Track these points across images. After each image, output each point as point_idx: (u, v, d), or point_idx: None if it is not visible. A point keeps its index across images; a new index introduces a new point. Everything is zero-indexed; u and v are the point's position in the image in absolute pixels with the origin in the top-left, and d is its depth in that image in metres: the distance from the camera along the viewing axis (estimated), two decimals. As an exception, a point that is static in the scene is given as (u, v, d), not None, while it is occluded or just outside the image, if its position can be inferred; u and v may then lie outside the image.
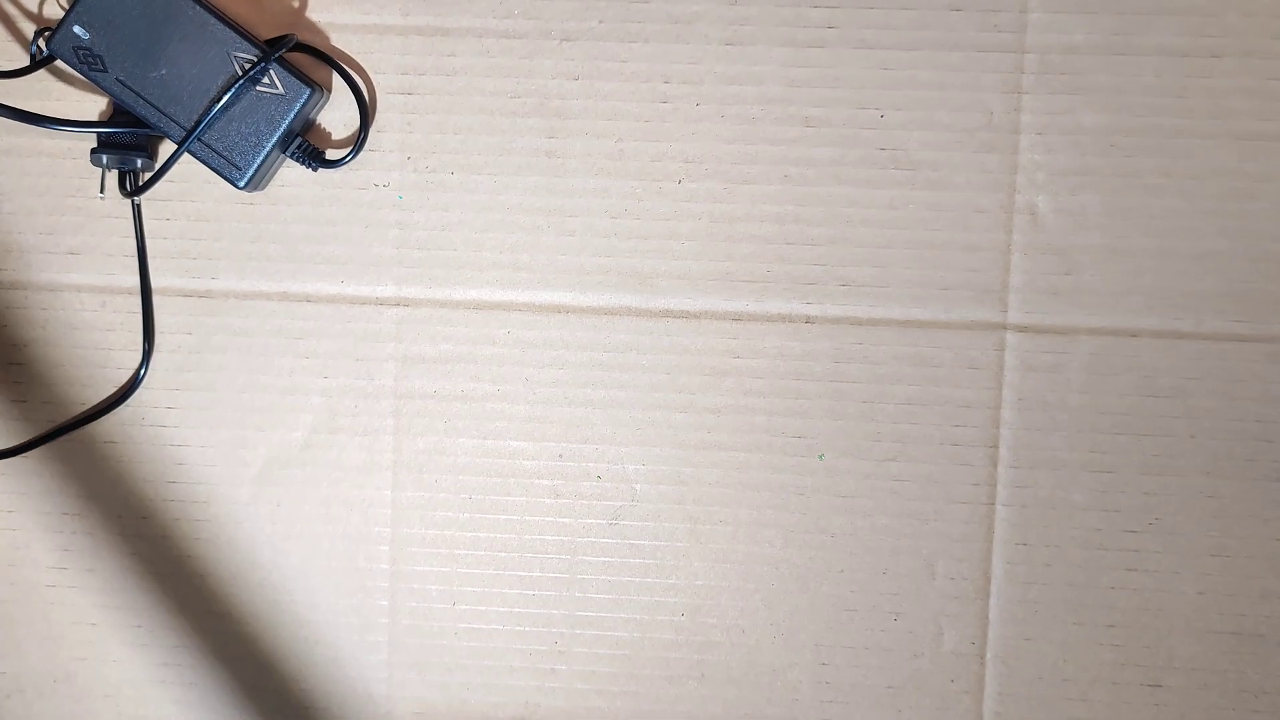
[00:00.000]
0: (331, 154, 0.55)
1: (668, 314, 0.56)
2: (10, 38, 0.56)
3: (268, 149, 0.53)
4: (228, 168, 0.53)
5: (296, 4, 0.55)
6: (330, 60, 0.55)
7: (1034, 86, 0.54)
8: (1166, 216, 0.54)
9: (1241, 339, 0.54)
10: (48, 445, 0.57)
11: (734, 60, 0.54)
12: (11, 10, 0.56)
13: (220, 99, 0.52)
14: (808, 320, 0.55)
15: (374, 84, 0.55)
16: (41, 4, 0.56)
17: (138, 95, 0.53)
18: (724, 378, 0.56)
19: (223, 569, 0.57)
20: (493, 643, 0.57)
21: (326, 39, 0.55)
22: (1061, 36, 0.53)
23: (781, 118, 0.54)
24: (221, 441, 0.57)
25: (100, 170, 0.55)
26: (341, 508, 0.57)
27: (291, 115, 0.53)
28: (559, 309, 0.56)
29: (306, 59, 0.55)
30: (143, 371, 0.56)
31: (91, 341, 0.57)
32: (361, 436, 0.57)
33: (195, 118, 0.53)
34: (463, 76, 0.55)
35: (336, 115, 0.55)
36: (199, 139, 0.53)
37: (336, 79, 0.55)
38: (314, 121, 0.55)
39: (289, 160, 0.55)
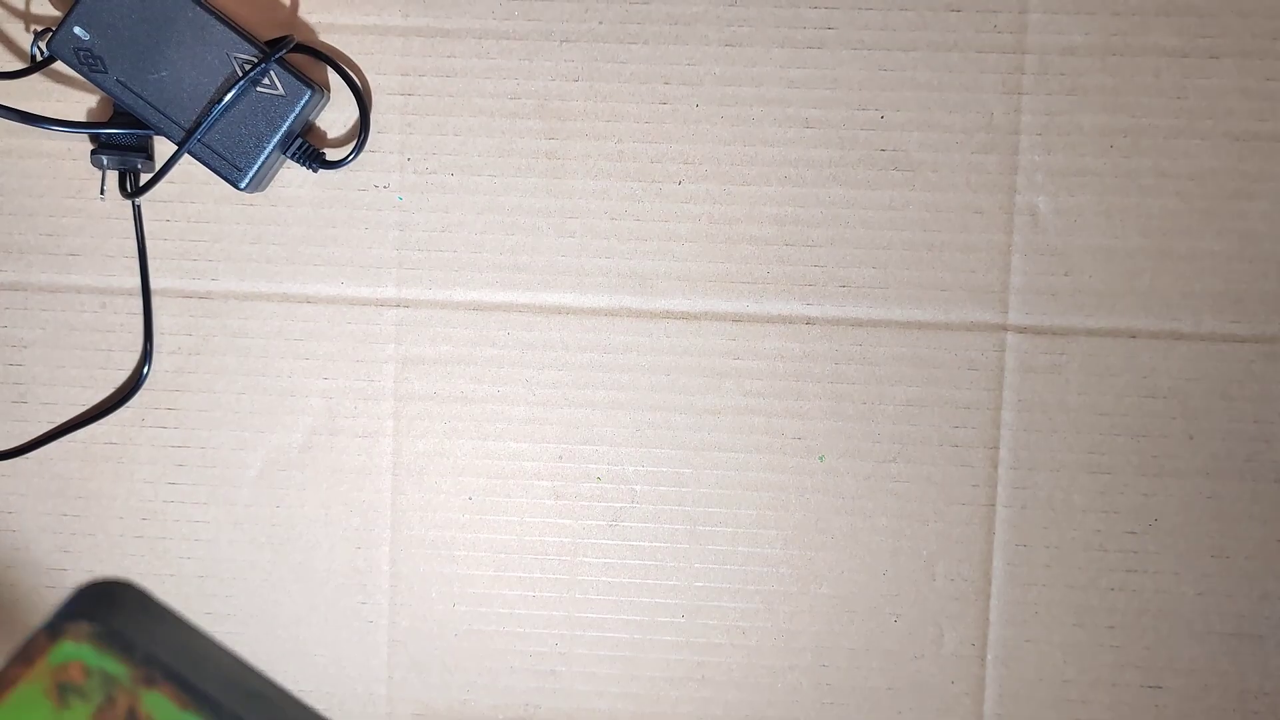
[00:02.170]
0: (331, 155, 0.55)
1: (667, 315, 0.56)
2: (10, 39, 0.56)
3: (268, 150, 0.53)
4: (228, 169, 0.53)
5: (296, 5, 0.55)
6: (330, 61, 0.55)
7: (1033, 87, 0.54)
8: (1165, 217, 0.54)
9: (1240, 340, 0.54)
10: (48, 446, 0.57)
11: (733, 61, 0.54)
12: (11, 11, 0.56)
13: (221, 100, 0.52)
14: (807, 321, 0.55)
15: (374, 85, 0.55)
16: (29, 3, 0.56)
17: (138, 96, 0.53)
18: (723, 379, 0.56)
19: (222, 570, 0.57)
20: (493, 644, 0.57)
21: (326, 40, 0.55)
22: (1060, 37, 0.54)
23: (780, 119, 0.55)
24: (221, 443, 0.57)
25: (100, 171, 0.55)
26: (341, 509, 0.57)
27: (292, 116, 0.53)
28: (559, 310, 0.56)
29: (306, 60, 0.55)
30: (145, 371, 0.56)
31: (91, 342, 0.57)
32: (361, 438, 0.57)
33: (195, 119, 0.53)
34: (463, 77, 0.55)
35: (336, 116, 0.56)
36: (199, 140, 0.53)
37: (336, 79, 0.55)
38: (314, 122, 0.56)
39: (289, 161, 0.55)
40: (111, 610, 0.26)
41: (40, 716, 0.26)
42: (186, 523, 0.57)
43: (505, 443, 0.56)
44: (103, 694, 0.26)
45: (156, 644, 0.26)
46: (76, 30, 0.52)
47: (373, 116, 0.55)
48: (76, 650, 0.26)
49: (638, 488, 0.56)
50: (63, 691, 0.25)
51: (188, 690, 0.26)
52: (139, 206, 0.56)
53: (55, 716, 0.26)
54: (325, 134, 0.56)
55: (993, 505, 0.55)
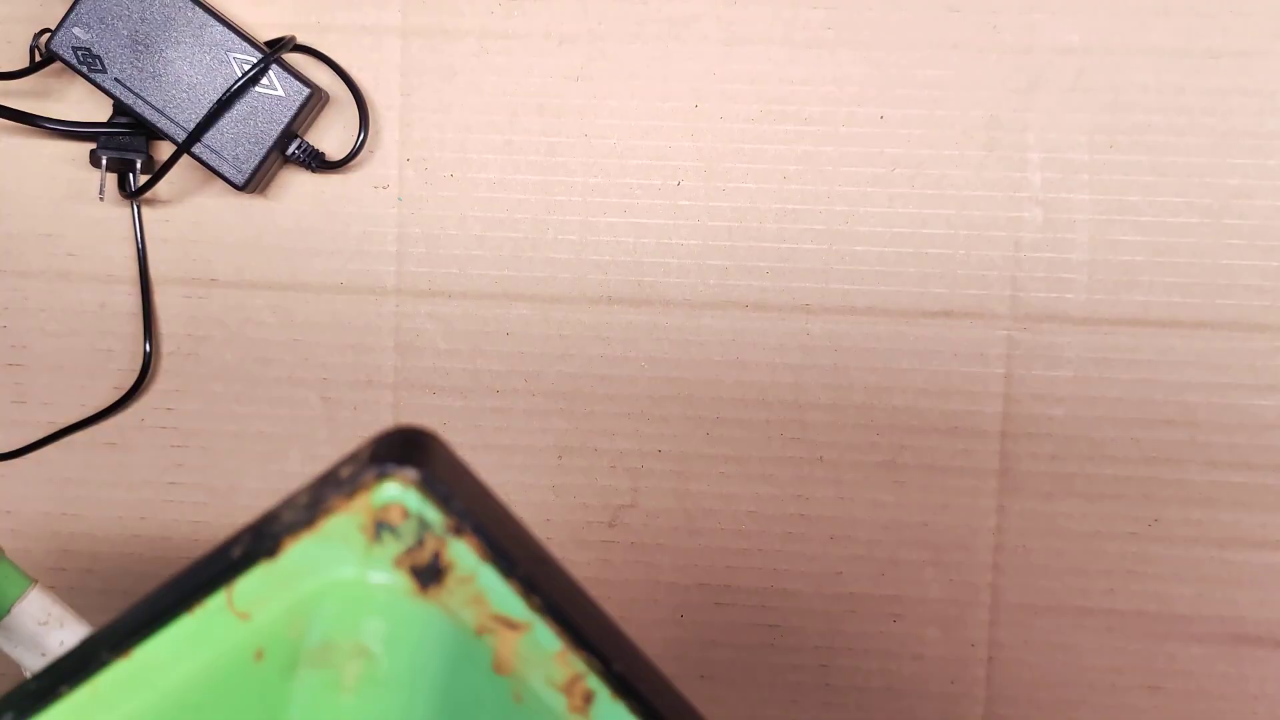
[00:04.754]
0: (331, 155, 0.55)
1: (667, 314, 0.56)
2: (10, 38, 0.56)
3: (268, 150, 0.53)
4: (228, 169, 0.53)
5: (295, 5, 0.55)
6: (330, 61, 0.55)
7: (1033, 86, 0.54)
8: (1165, 215, 0.54)
9: (1242, 336, 0.54)
10: (48, 446, 0.57)
11: (733, 60, 0.54)
12: (11, 10, 0.56)
13: (221, 100, 0.52)
14: (808, 320, 0.55)
15: (374, 85, 0.55)
16: (28, 3, 0.56)
17: (137, 96, 0.53)
18: (723, 377, 0.56)
19: (222, 570, 0.57)
20: (492, 644, 0.57)
21: (326, 40, 0.55)
22: (1061, 37, 0.54)
23: (780, 118, 0.55)
24: (221, 443, 0.57)
25: (100, 171, 0.55)
26: (341, 509, 0.57)
27: (291, 116, 0.53)
28: (559, 309, 0.56)
29: (306, 60, 0.55)
30: (145, 371, 0.56)
31: (91, 342, 0.57)
32: (362, 438, 0.56)
33: (195, 119, 0.53)
34: (463, 76, 0.55)
35: (336, 115, 0.56)
36: (199, 140, 0.53)
37: (336, 79, 0.55)
38: (313, 122, 0.56)
39: (289, 161, 0.55)
40: (424, 458, 0.27)
41: (352, 547, 0.27)
42: (186, 523, 0.57)
43: (504, 441, 0.56)
44: (415, 537, 0.27)
45: (460, 496, 0.27)
46: (76, 30, 0.52)
47: (372, 116, 0.55)
48: (401, 494, 0.26)
49: (638, 486, 0.56)
50: (379, 529, 0.27)
51: (489, 543, 0.27)
52: (139, 206, 0.56)
53: (366, 550, 0.27)
54: (325, 133, 0.56)
55: (993, 503, 0.55)
